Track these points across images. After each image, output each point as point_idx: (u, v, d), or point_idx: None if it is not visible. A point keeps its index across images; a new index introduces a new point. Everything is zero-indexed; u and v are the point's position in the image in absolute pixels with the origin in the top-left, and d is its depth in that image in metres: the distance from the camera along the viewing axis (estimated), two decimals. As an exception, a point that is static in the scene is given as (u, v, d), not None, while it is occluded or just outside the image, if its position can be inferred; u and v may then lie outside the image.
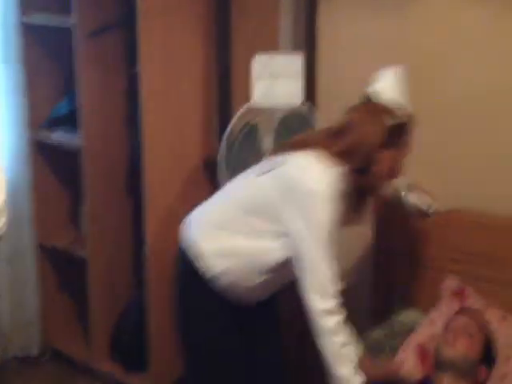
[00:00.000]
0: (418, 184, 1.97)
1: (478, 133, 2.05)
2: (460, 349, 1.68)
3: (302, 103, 1.94)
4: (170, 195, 2.37)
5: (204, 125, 2.30)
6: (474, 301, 1.93)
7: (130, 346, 2.62)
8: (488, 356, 1.73)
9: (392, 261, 2.16)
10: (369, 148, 1.58)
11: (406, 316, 2.05)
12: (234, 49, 2.19)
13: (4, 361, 2.77)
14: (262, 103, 1.87)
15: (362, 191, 1.68)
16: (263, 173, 1.63)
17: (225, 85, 2.15)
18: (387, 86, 1.61)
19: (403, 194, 1.98)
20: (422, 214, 1.97)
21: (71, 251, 2.67)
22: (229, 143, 1.87)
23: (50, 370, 2.81)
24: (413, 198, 1.96)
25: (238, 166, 1.83)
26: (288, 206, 1.55)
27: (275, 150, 1.75)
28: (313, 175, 1.54)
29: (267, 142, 1.91)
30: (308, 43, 2.20)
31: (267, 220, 1.60)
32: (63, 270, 2.85)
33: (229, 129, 1.88)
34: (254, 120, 1.87)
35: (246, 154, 1.88)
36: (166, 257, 2.43)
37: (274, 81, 1.85)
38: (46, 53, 2.62)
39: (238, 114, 1.89)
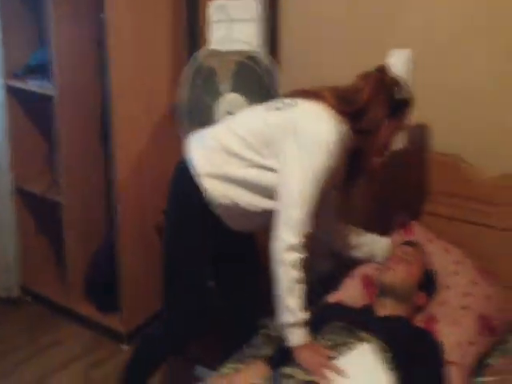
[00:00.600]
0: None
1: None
2: (399, 274, 1.78)
3: (260, 47, 2.01)
4: (140, 141, 2.46)
5: (173, 72, 2.36)
6: (419, 234, 2.04)
7: (103, 287, 2.74)
8: (428, 285, 1.85)
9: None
10: (377, 115, 1.69)
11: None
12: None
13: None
14: (220, 47, 1.94)
15: (357, 161, 1.78)
16: (277, 109, 1.72)
17: (193, 32, 2.21)
18: (400, 64, 1.78)
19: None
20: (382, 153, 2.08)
21: (47, 196, 2.77)
22: (189, 87, 1.94)
23: (31, 310, 2.95)
24: None
25: (198, 109, 1.91)
26: (290, 146, 1.63)
27: (285, 94, 1.83)
28: (321, 125, 1.63)
29: (226, 85, 1.98)
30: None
31: (267, 154, 1.69)
32: (40, 214, 2.96)
33: (188, 72, 1.96)
34: (212, 64, 1.94)
35: (206, 97, 1.96)
36: (137, 199, 2.55)
37: (231, 25, 1.92)
38: (23, 2, 2.68)
39: (197, 58, 1.96)
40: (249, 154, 1.71)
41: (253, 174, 1.72)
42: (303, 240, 1.62)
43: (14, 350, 2.64)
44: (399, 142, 1.90)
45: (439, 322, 1.76)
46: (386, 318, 1.75)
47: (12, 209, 2.86)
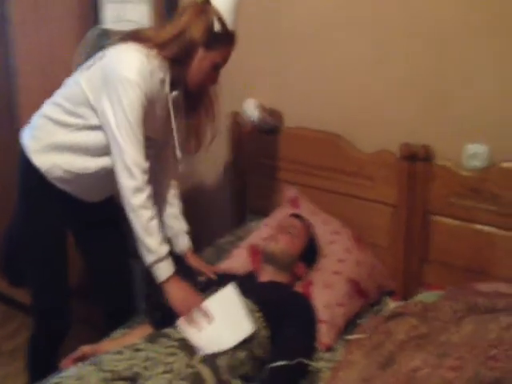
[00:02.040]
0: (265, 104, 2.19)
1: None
2: (280, 244, 1.92)
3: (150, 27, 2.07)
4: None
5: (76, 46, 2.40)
6: (305, 207, 2.20)
7: (13, 260, 2.77)
8: (309, 258, 1.99)
9: (244, 175, 2.39)
10: (191, 41, 1.69)
11: (254, 223, 2.31)
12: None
13: None
14: (113, 26, 2.00)
15: (190, 96, 1.81)
16: (88, 68, 1.76)
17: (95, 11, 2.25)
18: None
19: (254, 112, 2.20)
20: (270, 130, 2.20)
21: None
22: (84, 67, 2.00)
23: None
24: (263, 116, 2.19)
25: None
26: (103, 98, 1.66)
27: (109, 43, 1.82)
28: (125, 63, 1.65)
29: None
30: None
31: (87, 115, 1.72)
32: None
33: (80, 50, 2.02)
34: (103, 43, 2.00)
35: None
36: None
37: (123, 5, 1.98)
38: None
39: (85, 37, 2.02)
40: (69, 119, 1.75)
41: (79, 138, 1.75)
42: (143, 177, 1.68)
43: None
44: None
45: (314, 285, 1.92)
46: (265, 283, 1.90)
47: None
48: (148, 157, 1.74)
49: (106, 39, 2.00)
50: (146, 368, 1.51)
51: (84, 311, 2.39)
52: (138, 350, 1.57)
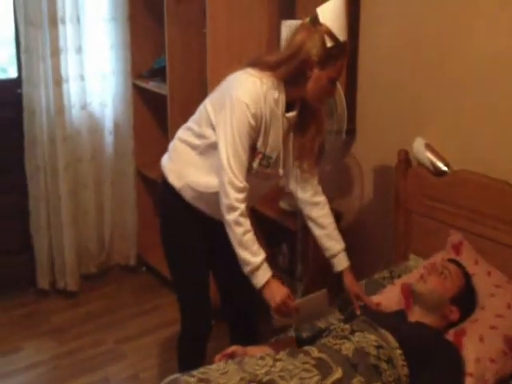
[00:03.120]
0: (434, 145, 2.17)
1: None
2: (429, 285, 1.88)
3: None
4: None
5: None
6: (467, 254, 2.12)
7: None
8: (463, 302, 1.90)
9: (408, 215, 2.38)
10: (302, 60, 1.75)
11: (413, 262, 2.28)
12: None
13: (109, 266, 3.44)
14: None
15: (305, 110, 1.88)
16: (213, 91, 1.92)
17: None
18: (332, 10, 1.76)
19: (423, 152, 2.19)
20: (438, 172, 2.18)
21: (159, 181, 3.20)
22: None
23: (143, 278, 3.45)
24: (431, 157, 2.17)
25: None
26: (219, 116, 1.80)
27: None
28: (238, 85, 1.78)
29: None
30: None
31: (210, 134, 1.85)
32: (157, 194, 3.40)
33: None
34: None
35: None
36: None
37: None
38: (150, 12, 3.13)
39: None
40: (197, 141, 1.89)
41: (204, 157, 1.88)
42: (236, 196, 1.77)
43: (124, 307, 3.15)
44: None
45: (466, 336, 1.84)
46: (411, 322, 1.89)
47: (134, 188, 3.35)
48: (268, 176, 1.89)
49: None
50: (281, 377, 1.61)
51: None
52: (278, 359, 1.68)
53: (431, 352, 1.73)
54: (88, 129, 3.12)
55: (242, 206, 1.80)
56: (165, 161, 2.05)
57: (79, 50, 2.96)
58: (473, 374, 1.74)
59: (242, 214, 1.80)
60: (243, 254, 1.81)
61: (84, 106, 3.06)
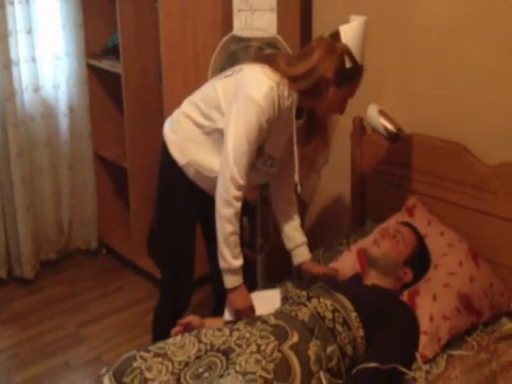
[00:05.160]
0: (388, 111, 2.20)
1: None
2: (383, 248, 1.92)
3: (277, 35, 2.20)
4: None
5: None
6: (420, 215, 2.15)
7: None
8: (417, 264, 1.94)
9: (364, 181, 2.41)
10: (323, 79, 1.77)
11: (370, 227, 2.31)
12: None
13: (69, 251, 3.39)
14: (242, 33, 2.17)
15: (312, 119, 1.91)
16: (226, 76, 1.91)
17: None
18: (354, 32, 1.77)
19: (377, 118, 2.22)
20: (391, 138, 2.21)
21: (117, 162, 3.19)
22: (214, 69, 2.19)
23: (104, 261, 3.41)
24: (384, 122, 2.20)
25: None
26: (232, 108, 1.79)
27: (247, 60, 2.00)
28: (254, 87, 1.77)
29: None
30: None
31: (217, 118, 1.86)
32: (116, 178, 3.38)
33: (213, 57, 2.21)
34: (234, 48, 2.18)
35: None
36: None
37: (252, 13, 2.13)
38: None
39: (221, 42, 2.20)
40: (203, 121, 1.90)
41: (211, 139, 1.89)
42: (235, 193, 1.78)
43: (85, 291, 3.11)
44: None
45: (420, 295, 1.88)
46: (367, 286, 1.92)
47: (92, 171, 3.31)
48: (268, 173, 1.92)
49: (236, 45, 2.17)
50: (239, 346, 1.62)
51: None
52: (235, 329, 1.69)
53: (386, 313, 1.76)
54: (42, 113, 3.05)
55: (239, 205, 1.82)
56: (167, 129, 2.04)
57: (30, 31, 2.88)
58: (427, 332, 1.78)
59: (236, 214, 1.82)
60: (225, 250, 1.84)
61: (36, 89, 2.99)
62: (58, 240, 3.29)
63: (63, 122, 3.14)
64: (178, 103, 2.52)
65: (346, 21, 2.24)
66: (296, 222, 2.09)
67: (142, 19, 2.88)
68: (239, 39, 2.17)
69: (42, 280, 3.18)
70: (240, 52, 2.15)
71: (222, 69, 2.14)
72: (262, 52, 1.94)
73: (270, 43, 2.15)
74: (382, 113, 2.21)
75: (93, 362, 2.60)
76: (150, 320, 2.78)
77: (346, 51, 1.76)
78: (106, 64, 3.05)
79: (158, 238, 2.17)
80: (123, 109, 3.03)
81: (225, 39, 2.18)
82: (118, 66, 2.94)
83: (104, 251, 3.46)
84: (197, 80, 2.49)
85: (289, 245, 2.09)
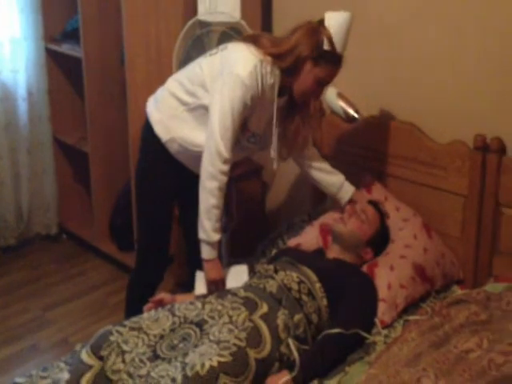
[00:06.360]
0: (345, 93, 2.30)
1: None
2: (349, 226, 2.03)
3: (240, 19, 2.27)
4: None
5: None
6: (377, 192, 2.28)
7: (122, 229, 3.12)
8: (378, 245, 2.07)
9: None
10: (300, 54, 1.85)
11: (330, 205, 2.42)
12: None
13: (29, 236, 3.37)
14: (206, 17, 2.22)
15: (292, 104, 1.98)
16: (211, 54, 1.97)
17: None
18: (337, 21, 1.85)
19: (335, 101, 2.32)
20: (350, 119, 2.31)
21: (77, 147, 3.19)
22: (178, 54, 2.24)
23: (65, 246, 3.41)
24: (343, 105, 2.30)
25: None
26: (217, 85, 1.86)
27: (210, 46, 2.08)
28: (239, 63, 1.84)
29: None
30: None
31: (202, 95, 1.91)
32: (76, 162, 3.37)
33: (178, 42, 2.26)
34: (198, 33, 2.23)
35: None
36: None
37: (215, -2, 2.20)
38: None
39: (186, 27, 2.26)
40: (187, 98, 1.95)
41: (195, 115, 1.94)
42: (221, 167, 1.85)
43: (47, 275, 3.12)
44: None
45: (378, 267, 2.01)
46: (329, 259, 2.03)
47: (52, 156, 3.30)
48: (253, 150, 2.00)
49: (200, 30, 2.22)
50: (212, 317, 1.70)
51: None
52: (207, 302, 1.77)
53: (347, 283, 1.88)
54: (0, 97, 3.02)
55: (224, 179, 1.88)
56: (151, 107, 2.06)
57: (-15, 14, 2.86)
58: (385, 300, 1.90)
59: (220, 188, 1.88)
60: (205, 222, 1.90)
61: (-6, 74, 2.97)
62: (18, 225, 3.27)
63: (22, 106, 3.11)
64: (140, 87, 2.60)
65: (305, 7, 2.34)
66: (327, 167, 2.17)
67: (103, 3, 2.88)
68: (204, 24, 2.23)
69: (2, 265, 3.16)
70: (204, 37, 2.21)
71: (187, 53, 2.20)
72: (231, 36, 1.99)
73: (234, 28, 2.21)
74: (340, 95, 2.30)
75: (60, 344, 2.63)
76: (114, 302, 2.88)
77: (327, 34, 1.85)
78: (65, 48, 3.04)
79: (137, 211, 2.21)
80: (83, 93, 3.03)
81: (189, 23, 2.23)
82: (78, 50, 2.93)
83: (65, 236, 3.46)
84: (160, 65, 2.53)
85: (332, 190, 2.16)
